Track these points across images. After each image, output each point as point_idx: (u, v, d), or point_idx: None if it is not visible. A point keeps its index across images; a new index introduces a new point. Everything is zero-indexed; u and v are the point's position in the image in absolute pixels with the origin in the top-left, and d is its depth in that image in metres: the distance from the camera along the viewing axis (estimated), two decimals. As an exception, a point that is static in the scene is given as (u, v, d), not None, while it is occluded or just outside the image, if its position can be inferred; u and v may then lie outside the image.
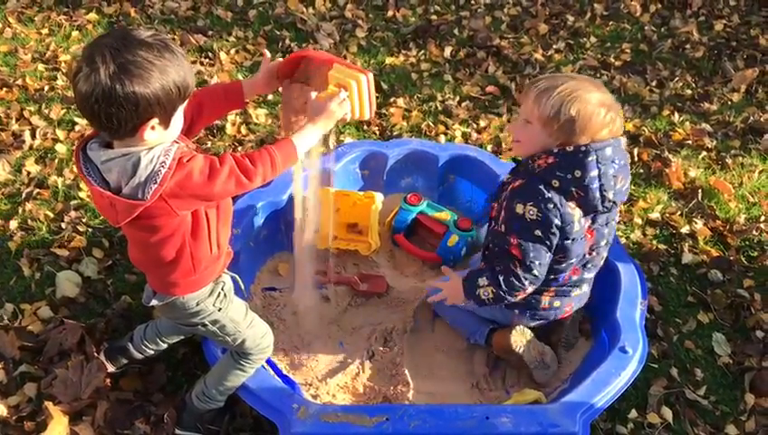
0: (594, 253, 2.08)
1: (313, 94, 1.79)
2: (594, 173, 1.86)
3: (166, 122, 1.48)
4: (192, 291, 1.74)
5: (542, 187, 1.89)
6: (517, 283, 1.97)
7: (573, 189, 1.88)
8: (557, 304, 2.15)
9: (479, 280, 2.02)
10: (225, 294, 1.83)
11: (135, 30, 1.42)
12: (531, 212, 1.89)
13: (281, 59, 1.92)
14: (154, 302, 1.78)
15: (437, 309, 2.40)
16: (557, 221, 1.89)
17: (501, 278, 1.97)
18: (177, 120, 1.52)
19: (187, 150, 1.56)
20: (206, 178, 1.51)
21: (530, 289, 2.01)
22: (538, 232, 1.91)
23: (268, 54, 1.90)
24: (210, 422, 2.07)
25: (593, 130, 1.85)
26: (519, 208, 1.92)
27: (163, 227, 1.60)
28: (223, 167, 1.53)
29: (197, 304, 1.77)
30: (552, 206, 1.88)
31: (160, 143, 1.50)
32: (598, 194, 1.89)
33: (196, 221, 1.63)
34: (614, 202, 1.94)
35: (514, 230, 1.94)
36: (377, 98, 3.44)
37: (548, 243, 1.93)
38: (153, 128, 1.45)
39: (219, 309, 1.82)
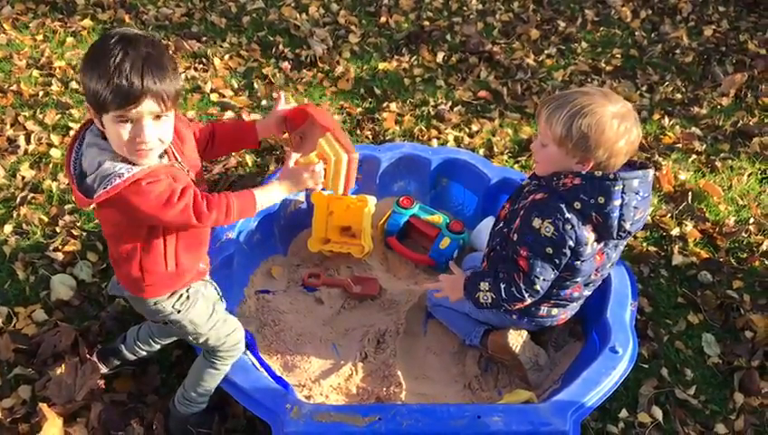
0: (599, 274, 2.09)
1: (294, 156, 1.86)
2: (617, 202, 1.86)
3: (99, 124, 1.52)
4: (149, 297, 1.77)
5: (563, 205, 1.88)
6: (518, 294, 1.98)
7: (593, 214, 1.87)
8: (554, 312, 2.17)
9: (481, 283, 2.03)
10: (188, 297, 1.84)
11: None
12: (547, 229, 1.88)
13: (292, 104, 1.98)
14: (115, 292, 1.87)
15: (434, 312, 2.42)
16: (571, 242, 1.89)
17: (502, 286, 1.98)
18: (110, 132, 1.52)
19: (169, 169, 1.59)
20: (161, 204, 1.54)
21: (528, 301, 2.01)
22: (549, 249, 1.91)
23: (282, 98, 1.96)
24: (198, 425, 2.07)
25: (608, 142, 1.82)
26: (536, 222, 1.91)
27: (118, 224, 1.64)
28: (180, 201, 1.56)
29: (155, 304, 1.80)
30: (569, 227, 1.87)
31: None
32: (616, 223, 1.88)
33: (149, 235, 1.66)
34: (629, 232, 1.93)
35: (526, 242, 1.94)
36: (370, 102, 3.48)
37: (557, 261, 1.93)
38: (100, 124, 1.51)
39: (178, 311, 1.83)
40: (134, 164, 1.52)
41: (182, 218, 1.58)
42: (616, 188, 1.84)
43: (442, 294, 2.20)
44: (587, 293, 2.16)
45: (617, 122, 1.81)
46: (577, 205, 1.87)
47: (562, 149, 1.87)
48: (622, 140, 1.83)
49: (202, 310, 1.89)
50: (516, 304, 2.02)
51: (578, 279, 2.03)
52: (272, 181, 1.80)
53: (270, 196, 1.78)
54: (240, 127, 1.95)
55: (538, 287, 1.96)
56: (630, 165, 1.94)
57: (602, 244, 1.96)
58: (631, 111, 1.87)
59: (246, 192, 1.72)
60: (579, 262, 1.95)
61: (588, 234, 1.90)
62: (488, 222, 2.51)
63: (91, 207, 1.57)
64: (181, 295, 1.82)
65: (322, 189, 1.91)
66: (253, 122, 1.94)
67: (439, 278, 2.23)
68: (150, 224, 1.63)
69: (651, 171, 1.92)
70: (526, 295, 1.98)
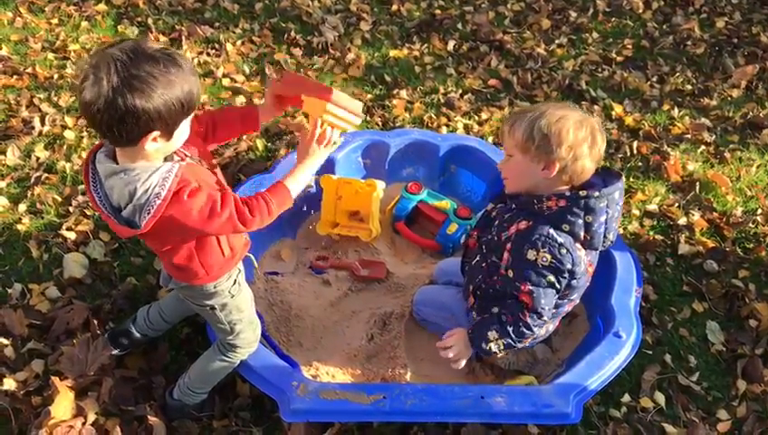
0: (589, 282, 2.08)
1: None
2: (603, 218, 1.85)
3: (168, 135, 1.48)
4: (210, 281, 1.80)
5: (552, 231, 1.85)
6: (527, 331, 1.95)
7: (582, 233, 1.85)
8: (551, 327, 2.16)
9: (488, 333, 1.99)
10: (239, 284, 1.88)
11: (144, 43, 1.41)
12: (544, 259, 1.85)
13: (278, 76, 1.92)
14: (172, 285, 1.85)
15: (422, 322, 2.39)
16: (569, 265, 1.86)
17: (510, 329, 1.96)
18: (181, 132, 1.52)
19: (189, 169, 1.57)
20: (204, 218, 1.54)
21: (537, 333, 2.00)
22: (551, 277, 1.88)
23: (274, 77, 1.92)
24: (199, 412, 2.11)
25: (567, 141, 1.80)
26: (530, 254, 1.86)
27: (167, 241, 1.65)
28: (223, 211, 1.56)
29: (215, 287, 1.82)
30: (564, 251, 1.84)
31: (163, 155, 1.53)
32: (602, 237, 1.88)
33: (201, 237, 1.67)
34: (611, 241, 1.93)
35: (526, 277, 1.89)
36: (380, 89, 3.50)
37: (558, 287, 1.91)
38: (155, 139, 1.46)
39: (232, 296, 1.87)
40: (155, 172, 1.49)
41: (228, 227, 1.58)
42: (601, 204, 1.83)
43: (455, 356, 2.07)
44: (578, 301, 2.15)
45: (576, 124, 1.81)
46: (565, 227, 1.84)
47: (527, 156, 1.84)
48: (584, 144, 1.81)
49: (247, 296, 1.94)
50: (527, 340, 2.00)
51: (574, 296, 2.03)
52: (295, 166, 1.79)
53: (299, 180, 1.76)
54: (243, 113, 1.93)
55: (545, 317, 1.94)
56: (605, 175, 1.92)
57: (589, 256, 1.95)
58: (593, 123, 1.85)
59: (278, 185, 1.71)
60: (575, 280, 1.93)
61: (580, 252, 1.88)
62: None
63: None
64: (235, 281, 1.86)
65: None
66: (255, 107, 1.93)
67: (447, 340, 2.09)
68: (193, 236, 1.65)
69: (623, 178, 1.91)
70: (536, 329, 1.96)
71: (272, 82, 1.92)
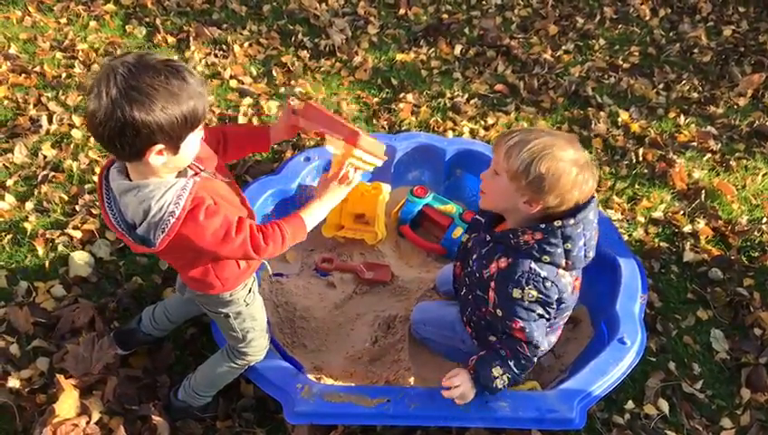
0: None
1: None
2: (581, 242, 1.82)
3: (173, 149, 1.45)
4: (226, 291, 1.81)
5: (533, 266, 1.82)
6: (527, 363, 1.93)
7: (563, 261, 1.83)
8: (553, 339, 2.13)
9: (492, 371, 1.93)
10: (253, 292, 1.90)
11: (149, 54, 1.39)
12: (530, 295, 1.82)
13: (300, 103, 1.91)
14: (188, 294, 1.86)
15: (421, 339, 2.37)
16: (556, 296, 1.84)
17: (512, 363, 1.92)
18: (188, 146, 1.48)
19: (204, 184, 1.56)
20: (218, 240, 1.54)
21: (536, 360, 1.97)
22: (540, 310, 1.86)
23: (292, 102, 1.92)
24: (202, 412, 2.12)
25: (562, 189, 1.75)
26: (516, 293, 1.84)
27: (183, 258, 1.67)
28: (237, 236, 1.56)
29: (231, 295, 1.83)
30: (549, 284, 1.82)
31: (173, 171, 1.52)
32: (583, 259, 1.86)
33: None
34: (591, 258, 1.90)
35: (516, 314, 1.86)
36: (387, 92, 3.50)
37: (548, 316, 1.89)
38: (160, 153, 1.43)
39: (247, 304, 1.88)
40: (169, 189, 1.48)
41: (239, 252, 1.59)
42: (578, 230, 1.80)
43: (460, 396, 1.96)
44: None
45: (575, 171, 1.74)
46: (546, 258, 1.81)
47: (514, 184, 1.78)
48: (576, 190, 1.76)
49: (259, 305, 1.95)
50: (529, 369, 1.98)
51: (566, 313, 2.02)
52: (313, 200, 1.79)
53: (316, 214, 1.77)
54: (254, 132, 1.94)
55: (542, 347, 1.92)
56: None
57: (574, 273, 1.93)
58: (591, 162, 1.80)
59: (296, 218, 1.72)
60: (564, 304, 1.91)
61: (563, 277, 1.86)
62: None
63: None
64: (250, 289, 1.87)
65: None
66: (267, 128, 1.93)
67: (453, 379, 1.97)
68: (211, 256, 1.65)
69: (596, 197, 1.87)
70: (534, 359, 1.94)
71: (289, 109, 1.90)
